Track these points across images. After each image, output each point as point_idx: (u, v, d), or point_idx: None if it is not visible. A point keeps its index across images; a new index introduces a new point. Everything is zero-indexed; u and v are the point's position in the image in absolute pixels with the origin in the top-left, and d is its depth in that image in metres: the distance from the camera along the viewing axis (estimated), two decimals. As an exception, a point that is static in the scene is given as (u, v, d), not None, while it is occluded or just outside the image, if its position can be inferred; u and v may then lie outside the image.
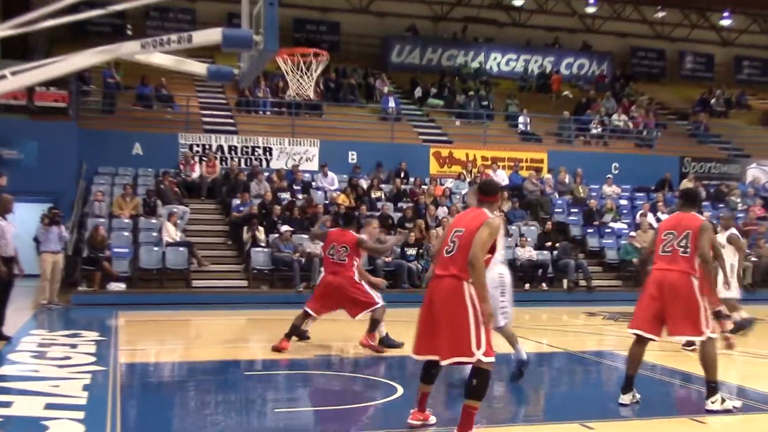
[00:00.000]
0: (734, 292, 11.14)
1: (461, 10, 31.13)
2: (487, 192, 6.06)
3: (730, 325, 10.89)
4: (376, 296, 9.78)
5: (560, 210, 22.01)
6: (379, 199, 20.66)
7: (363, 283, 9.80)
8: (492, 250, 5.71)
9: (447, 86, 27.42)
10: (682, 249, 6.90)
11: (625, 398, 7.01)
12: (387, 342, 9.99)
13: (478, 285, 5.55)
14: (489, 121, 26.20)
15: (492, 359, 5.52)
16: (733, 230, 11.75)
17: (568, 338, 12.43)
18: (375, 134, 23.71)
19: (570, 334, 13.05)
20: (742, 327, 11.41)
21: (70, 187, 19.08)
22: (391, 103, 25.10)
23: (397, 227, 19.27)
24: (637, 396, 7.07)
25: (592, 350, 10.62)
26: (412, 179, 21.97)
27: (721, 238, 11.23)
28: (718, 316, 8.78)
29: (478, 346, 5.47)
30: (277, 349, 9.75)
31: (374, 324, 9.88)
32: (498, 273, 7.91)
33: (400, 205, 20.61)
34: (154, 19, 27.35)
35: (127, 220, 18.19)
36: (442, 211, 20.09)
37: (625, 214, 22.22)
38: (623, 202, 23.21)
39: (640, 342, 7.03)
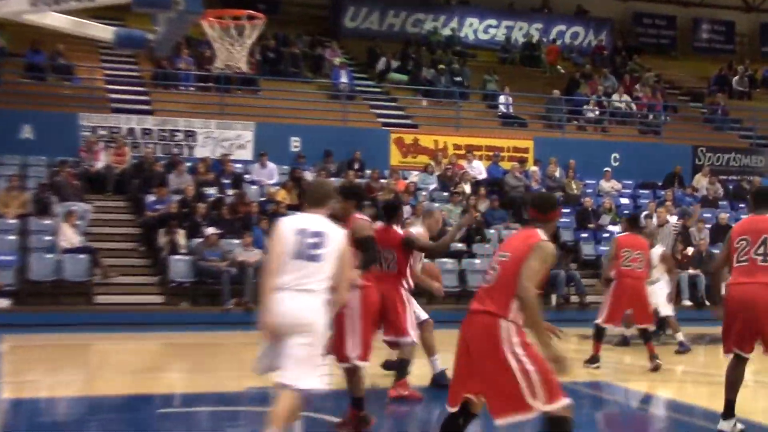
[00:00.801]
0: None
1: (430, -36, 31.29)
2: (541, 208, 5.85)
3: None
4: (412, 326, 8.88)
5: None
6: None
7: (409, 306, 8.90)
8: (543, 283, 5.59)
9: (412, 58, 27.52)
10: (760, 258, 7.15)
11: (726, 425, 7.33)
12: (441, 380, 9.24)
13: (533, 325, 5.48)
14: (463, 101, 26.34)
15: (562, 403, 5.38)
16: None
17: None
18: (323, 116, 23.71)
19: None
20: None
21: (-58, 178, 18.80)
22: (344, 78, 25.14)
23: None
24: (740, 426, 7.39)
25: (584, 381, 10.75)
26: (368, 171, 22.03)
27: None
28: None
29: (534, 395, 5.33)
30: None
31: (403, 367, 9.12)
32: None
33: (353, 203, 20.64)
34: (48, -30, 27.09)
35: (12, 221, 17.97)
36: (405, 211, 20.14)
37: (627, 216, 22.47)
38: (624, 200, 23.53)
39: (739, 363, 7.40)
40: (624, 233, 12.06)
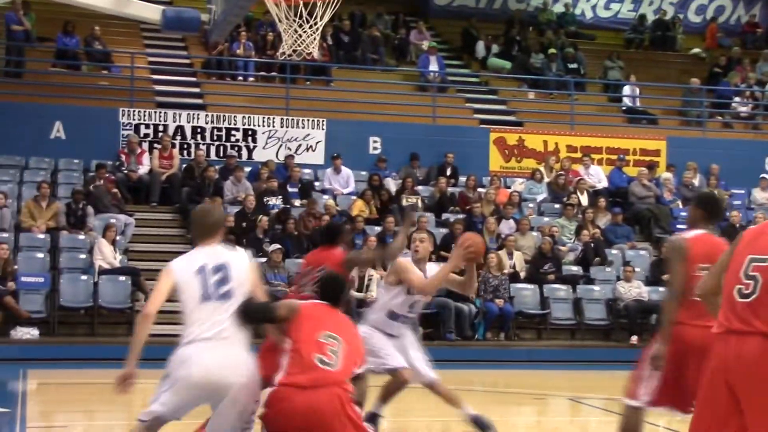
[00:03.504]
0: None
1: (539, -73, 31.21)
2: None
3: None
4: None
5: (685, 226, 21.87)
6: (413, 207, 20.71)
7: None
8: None
9: (516, 41, 27.46)
10: None
11: None
12: (479, 422, 9.30)
13: None
14: (579, 93, 26.17)
15: None
16: None
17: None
18: (409, 111, 23.79)
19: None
20: None
21: (-40, 186, 19.32)
22: (434, 66, 25.20)
23: (440, 250, 19.33)
24: None
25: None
26: (463, 179, 22.03)
27: None
28: None
29: None
30: None
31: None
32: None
33: (445, 216, 20.64)
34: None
35: (42, 236, 18.37)
36: (507, 227, 20.10)
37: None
38: (782, 214, 23.11)
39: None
40: None
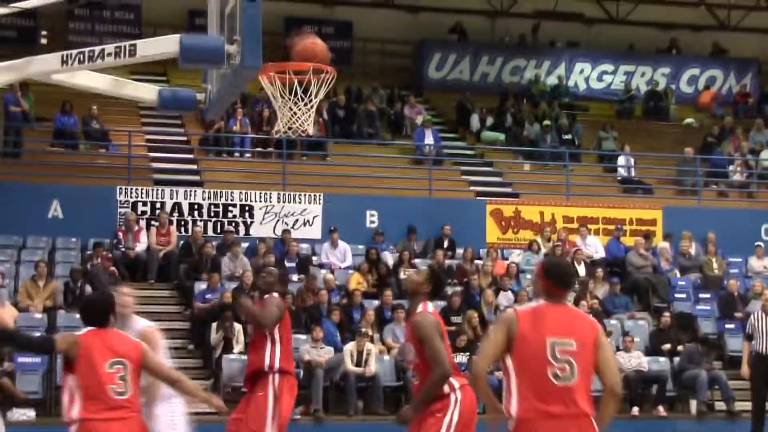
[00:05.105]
0: None
1: (531, 0, 31.55)
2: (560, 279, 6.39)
3: None
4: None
5: (683, 295, 21.87)
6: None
7: None
8: None
9: (510, 113, 27.63)
10: None
11: None
12: None
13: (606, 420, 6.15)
14: (574, 164, 26.27)
15: None
16: None
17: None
18: (405, 184, 23.87)
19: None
20: None
21: (-43, 266, 19.32)
22: (429, 139, 25.32)
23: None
24: None
25: None
26: (460, 251, 22.03)
27: None
28: None
29: None
30: None
31: None
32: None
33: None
34: (80, 19, 27.99)
35: (39, 315, 18.32)
36: (506, 298, 20.06)
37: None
38: (779, 282, 23.07)
39: None
40: None
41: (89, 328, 7.19)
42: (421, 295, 7.76)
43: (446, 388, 7.53)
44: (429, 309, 7.66)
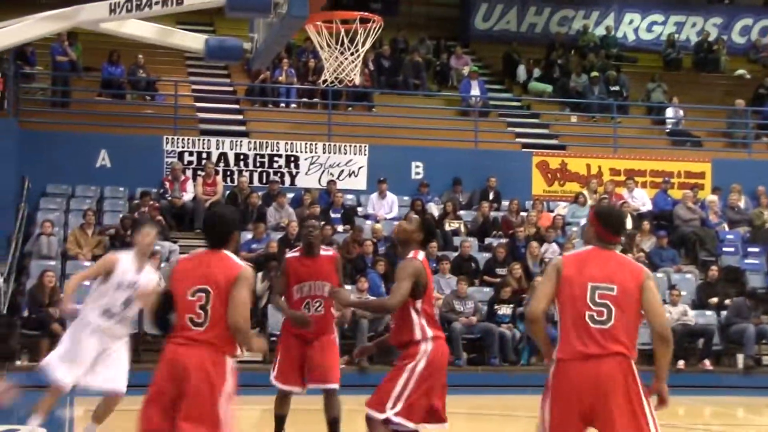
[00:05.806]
0: None
1: (580, -50, 31.19)
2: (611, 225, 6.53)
3: None
4: None
5: (732, 249, 21.72)
6: (456, 232, 20.64)
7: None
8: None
9: (558, 64, 27.42)
10: None
11: None
12: None
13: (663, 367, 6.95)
14: (621, 116, 26.06)
15: None
16: None
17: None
18: (451, 136, 23.80)
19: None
20: None
21: (6, 214, 19.50)
22: (475, 90, 25.19)
23: (483, 275, 19.24)
24: None
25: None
26: (506, 203, 21.99)
27: None
28: None
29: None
30: None
31: None
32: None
33: (488, 241, 20.58)
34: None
35: (88, 263, 18.48)
36: (551, 251, 20.00)
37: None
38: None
39: None
40: None
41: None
42: (413, 243, 7.82)
43: (419, 336, 7.58)
44: (419, 257, 7.68)
